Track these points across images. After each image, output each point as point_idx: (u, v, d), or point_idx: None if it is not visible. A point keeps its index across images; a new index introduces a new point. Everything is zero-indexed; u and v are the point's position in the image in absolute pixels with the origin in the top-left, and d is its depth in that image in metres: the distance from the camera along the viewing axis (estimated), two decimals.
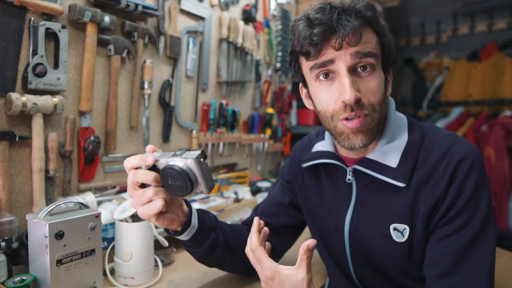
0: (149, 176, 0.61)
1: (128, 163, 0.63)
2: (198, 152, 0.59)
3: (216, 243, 0.78)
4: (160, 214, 0.65)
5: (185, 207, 0.73)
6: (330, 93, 0.66)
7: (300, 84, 0.78)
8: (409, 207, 0.68)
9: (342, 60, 0.64)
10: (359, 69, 0.65)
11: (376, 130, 0.68)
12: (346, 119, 0.65)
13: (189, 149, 0.64)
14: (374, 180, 0.71)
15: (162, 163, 0.62)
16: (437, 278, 0.64)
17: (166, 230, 0.74)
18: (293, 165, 0.92)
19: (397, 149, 0.70)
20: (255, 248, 0.67)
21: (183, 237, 0.73)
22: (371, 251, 0.73)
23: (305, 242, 0.60)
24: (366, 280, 0.78)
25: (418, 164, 0.68)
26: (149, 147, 0.66)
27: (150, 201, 0.63)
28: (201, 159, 0.59)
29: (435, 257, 0.65)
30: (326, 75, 0.67)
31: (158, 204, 0.62)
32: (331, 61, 0.64)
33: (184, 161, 0.59)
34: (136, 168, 0.63)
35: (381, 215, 0.71)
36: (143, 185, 0.64)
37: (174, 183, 0.60)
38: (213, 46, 1.66)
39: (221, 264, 0.86)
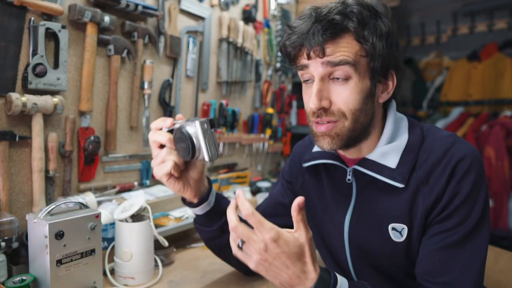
0: (163, 137, 0.67)
1: (153, 124, 0.70)
2: (205, 118, 0.64)
3: (225, 228, 0.79)
4: (171, 177, 0.70)
5: (205, 183, 0.79)
6: (308, 95, 0.70)
7: None
8: (407, 207, 0.68)
9: (314, 67, 0.66)
10: (335, 77, 0.66)
11: (349, 136, 0.68)
12: (317, 122, 0.69)
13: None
14: (373, 181, 0.72)
15: (177, 126, 0.66)
16: (426, 275, 0.65)
17: (183, 199, 0.80)
18: (294, 165, 0.93)
19: (396, 150, 0.70)
20: (252, 213, 0.57)
21: (198, 210, 0.79)
22: (370, 250, 0.74)
23: (294, 201, 0.58)
24: (366, 279, 0.79)
25: (417, 165, 0.68)
26: (178, 115, 0.72)
27: (164, 162, 0.68)
28: (205, 125, 0.63)
29: (426, 254, 0.66)
30: (308, 79, 0.70)
31: (167, 165, 0.67)
32: (306, 66, 0.67)
33: (191, 125, 0.63)
34: (160, 130, 0.70)
35: (380, 215, 0.71)
36: (162, 147, 0.69)
37: (181, 145, 0.65)
38: (213, 46, 1.66)
39: (225, 252, 0.87)
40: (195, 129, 0.63)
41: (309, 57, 0.65)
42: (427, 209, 0.66)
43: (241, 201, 0.59)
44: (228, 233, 0.79)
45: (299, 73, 0.70)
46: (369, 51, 0.65)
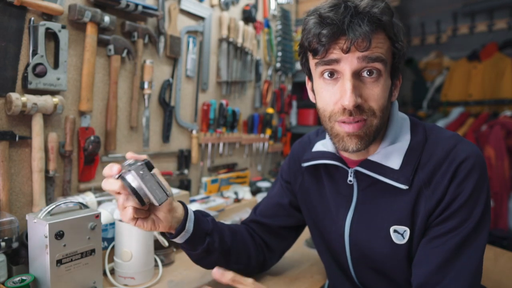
0: (115, 186, 0.62)
1: (104, 171, 0.64)
2: (140, 163, 0.62)
3: (211, 248, 0.78)
4: (138, 219, 0.67)
5: (179, 211, 0.73)
6: (332, 93, 0.65)
7: (307, 77, 0.77)
8: (409, 209, 0.67)
9: (348, 62, 0.62)
10: (364, 73, 0.63)
11: (373, 135, 0.67)
12: (344, 121, 0.65)
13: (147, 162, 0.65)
14: (375, 182, 0.71)
15: (123, 171, 0.63)
16: (422, 277, 0.64)
17: (162, 232, 0.76)
18: (293, 164, 0.92)
19: (399, 151, 0.69)
20: (231, 278, 0.69)
21: (177, 240, 0.75)
22: (371, 252, 0.73)
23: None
24: (367, 280, 0.78)
25: (420, 166, 0.68)
26: (128, 154, 0.67)
27: (124, 208, 0.64)
28: (141, 172, 0.60)
29: (423, 256, 0.65)
30: (331, 74, 0.65)
31: (128, 211, 0.64)
32: (337, 61, 0.63)
33: (129, 175, 0.61)
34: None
35: (382, 217, 0.71)
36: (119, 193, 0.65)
37: (131, 192, 0.62)
38: (213, 46, 1.66)
39: (217, 266, 0.86)
40: (132, 179, 0.61)
41: (347, 50, 0.61)
42: (429, 211, 0.65)
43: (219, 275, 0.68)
44: (216, 251, 0.79)
45: (321, 68, 0.66)
46: (397, 49, 0.64)
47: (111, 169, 0.63)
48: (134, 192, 0.61)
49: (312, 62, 0.69)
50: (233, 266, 0.84)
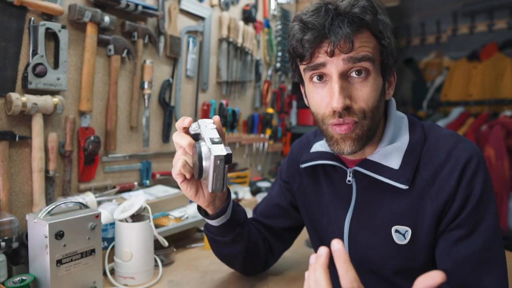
0: (184, 141, 0.64)
1: (177, 123, 0.67)
2: (223, 154, 0.60)
3: (239, 239, 0.79)
4: (184, 179, 0.68)
5: (224, 193, 0.75)
6: (322, 96, 0.66)
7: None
8: (412, 209, 0.67)
9: (334, 65, 0.62)
10: (353, 74, 0.63)
11: (367, 136, 0.67)
12: (335, 124, 0.65)
13: (225, 144, 0.65)
14: (374, 182, 0.71)
15: (201, 137, 0.64)
16: (459, 281, 0.62)
17: (199, 209, 0.77)
18: (291, 165, 0.92)
19: (398, 150, 0.69)
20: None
21: (214, 222, 0.76)
22: (371, 253, 0.72)
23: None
24: (364, 281, 0.78)
25: (421, 166, 0.67)
26: (216, 117, 0.68)
27: (178, 160, 0.66)
28: (218, 161, 0.60)
29: (452, 264, 0.64)
30: (320, 77, 0.66)
31: (178, 164, 0.65)
32: (323, 65, 0.63)
33: (208, 153, 0.61)
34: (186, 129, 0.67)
35: (382, 217, 0.70)
36: None
37: (193, 160, 0.64)
38: (213, 46, 1.66)
39: (231, 259, 0.87)
40: (208, 161, 0.61)
41: (331, 54, 0.61)
42: (437, 212, 0.65)
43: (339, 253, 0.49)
44: (242, 243, 0.79)
45: (309, 73, 0.66)
46: (385, 46, 0.64)
47: (183, 121, 0.65)
48: (200, 170, 0.61)
49: (301, 67, 0.69)
50: (247, 261, 0.86)
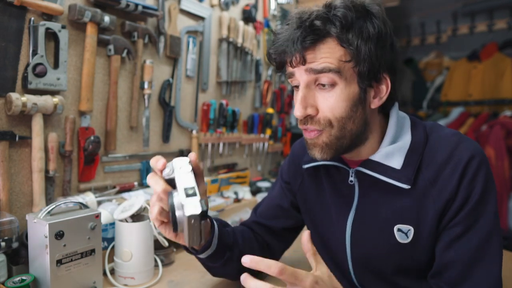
0: (158, 187, 0.61)
1: (151, 161, 0.64)
2: (197, 213, 0.55)
3: (229, 262, 0.78)
4: (162, 223, 0.66)
5: (206, 228, 0.72)
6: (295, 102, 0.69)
7: None
8: (414, 209, 0.67)
9: (298, 74, 0.65)
10: (319, 84, 0.65)
11: (339, 145, 0.67)
12: (304, 129, 0.68)
13: (203, 189, 0.62)
14: (377, 182, 0.71)
15: (175, 188, 0.60)
16: (453, 277, 0.63)
17: (185, 247, 0.74)
18: (293, 165, 0.92)
19: (400, 150, 0.69)
20: (283, 269, 0.58)
21: (201, 255, 0.74)
22: (373, 252, 0.73)
23: (303, 240, 0.60)
24: (366, 281, 0.78)
25: (423, 165, 0.67)
26: (192, 155, 0.64)
27: (153, 206, 0.64)
28: (193, 221, 0.56)
29: (448, 258, 0.64)
30: (296, 85, 0.69)
31: (154, 211, 0.63)
32: (293, 74, 0.66)
33: (181, 211, 0.57)
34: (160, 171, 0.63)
35: (385, 216, 0.70)
36: None
37: (169, 210, 0.59)
38: (213, 46, 1.66)
39: (227, 276, 0.87)
40: (182, 218, 0.57)
41: (294, 65, 0.64)
42: (439, 211, 0.65)
43: (266, 265, 0.58)
44: (233, 264, 0.78)
45: (289, 80, 0.70)
46: (353, 55, 0.62)
47: (157, 161, 0.61)
48: (173, 221, 0.57)
49: None
50: (241, 271, 0.85)
